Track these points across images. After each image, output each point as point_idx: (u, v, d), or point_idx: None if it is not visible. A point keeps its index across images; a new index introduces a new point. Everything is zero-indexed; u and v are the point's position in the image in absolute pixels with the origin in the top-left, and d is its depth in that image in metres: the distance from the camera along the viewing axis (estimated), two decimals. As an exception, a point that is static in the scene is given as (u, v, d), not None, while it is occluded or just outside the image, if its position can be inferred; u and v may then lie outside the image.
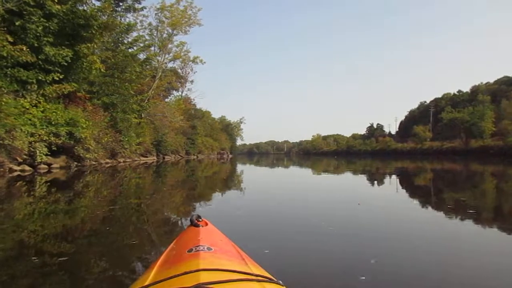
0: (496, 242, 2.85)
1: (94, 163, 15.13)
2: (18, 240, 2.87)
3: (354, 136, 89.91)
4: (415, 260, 2.28)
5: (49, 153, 11.66)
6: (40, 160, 11.29)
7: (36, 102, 11.93)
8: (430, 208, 4.76)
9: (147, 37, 28.02)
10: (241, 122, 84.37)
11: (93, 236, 3.05)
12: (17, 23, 11.36)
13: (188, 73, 41.48)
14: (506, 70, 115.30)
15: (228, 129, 78.52)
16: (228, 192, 6.59)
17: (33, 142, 11.02)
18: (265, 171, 15.89)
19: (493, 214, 4.28)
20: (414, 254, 2.41)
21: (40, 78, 12.03)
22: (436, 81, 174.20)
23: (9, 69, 11.05)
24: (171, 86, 38.54)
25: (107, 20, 14.57)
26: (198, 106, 52.99)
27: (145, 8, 25.20)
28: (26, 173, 10.05)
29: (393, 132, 78.37)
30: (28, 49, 11.35)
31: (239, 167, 18.83)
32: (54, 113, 12.04)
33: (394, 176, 11.06)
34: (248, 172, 14.72)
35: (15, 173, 9.83)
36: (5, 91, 10.18)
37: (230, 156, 61.27)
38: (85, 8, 13.61)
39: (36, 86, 11.96)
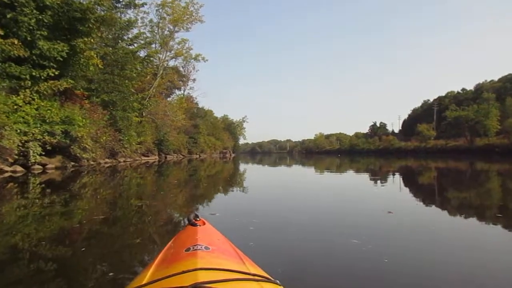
0: None
1: (92, 163, 14.61)
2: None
3: (357, 135, 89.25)
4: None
5: (43, 153, 11.07)
6: (33, 160, 10.70)
7: (30, 99, 11.34)
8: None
9: (148, 34, 27.50)
10: (244, 121, 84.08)
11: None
12: (8, 16, 10.75)
13: (190, 71, 40.96)
14: (510, 67, 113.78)
15: (231, 128, 78.14)
16: (234, 196, 5.96)
17: (26, 142, 10.42)
18: (270, 171, 15.31)
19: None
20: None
21: (34, 74, 11.44)
22: (440, 79, 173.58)
23: (0, 64, 10.45)
24: (173, 85, 38.03)
25: (105, 14, 13.91)
26: (200, 105, 52.74)
27: (146, 4, 24.60)
28: (18, 174, 9.56)
29: (396, 131, 78.07)
30: (20, 43, 10.76)
31: (243, 167, 18.48)
32: (48, 111, 11.45)
33: (408, 176, 10.43)
34: (252, 172, 14.21)
35: (6, 174, 9.30)
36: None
37: (233, 155, 61.07)
38: (81, 0, 12.96)
39: (29, 83, 11.38)
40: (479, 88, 58.04)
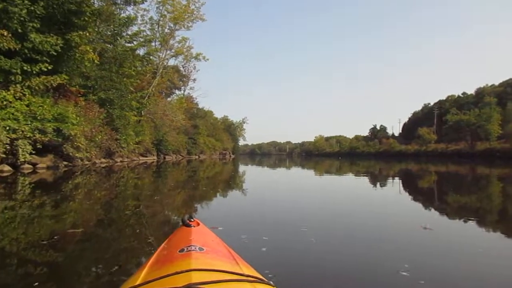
0: None
1: (87, 163, 14.04)
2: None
3: (357, 138, 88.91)
4: None
5: (33, 152, 10.45)
6: (23, 159, 10.07)
7: (21, 94, 10.72)
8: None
9: (148, 32, 26.96)
10: (244, 122, 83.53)
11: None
12: (-2, 6, 10.15)
13: (191, 71, 40.43)
14: (511, 72, 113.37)
15: (231, 129, 77.66)
16: (237, 204, 5.37)
17: (15, 139, 9.80)
18: (271, 173, 14.71)
19: None
20: None
21: (25, 68, 10.82)
22: (440, 83, 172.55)
23: (-12, 56, 9.88)
24: (174, 85, 37.51)
25: (102, 7, 13.33)
26: (200, 105, 52.23)
27: (146, 1, 23.99)
28: (6, 174, 9.07)
29: (396, 134, 77.90)
30: (11, 35, 10.16)
31: (243, 168, 18.05)
32: (40, 107, 10.83)
33: (424, 182, 9.85)
34: (253, 174, 13.71)
35: (-7, 174, 8.82)
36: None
37: (232, 156, 60.58)
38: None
39: (20, 77, 10.77)
40: (480, 92, 57.84)
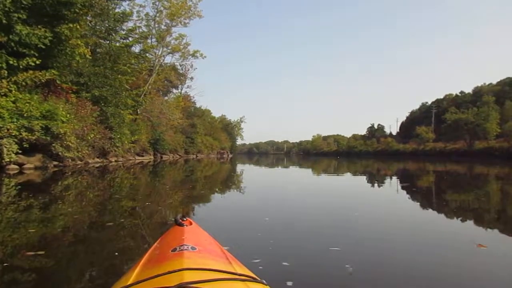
0: None
1: (79, 162, 13.40)
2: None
3: (355, 137, 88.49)
4: None
5: (20, 151, 9.82)
6: (8, 160, 9.45)
7: (6, 90, 10.07)
8: None
9: (144, 29, 26.33)
10: (242, 121, 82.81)
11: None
12: (-19, -4, 9.50)
13: (188, 69, 39.78)
14: (509, 71, 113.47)
15: (228, 128, 77.00)
16: (237, 208, 4.80)
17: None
18: (270, 173, 14.19)
19: None
20: None
21: (11, 62, 10.17)
22: (438, 82, 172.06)
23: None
24: (171, 84, 36.86)
25: (94, -1, 12.68)
26: (198, 104, 51.62)
27: (142, -5, 23.36)
28: (-12, 175, 8.54)
29: (394, 133, 77.51)
30: (-6, 27, 9.54)
31: (241, 167, 17.59)
32: (27, 104, 10.19)
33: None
34: (252, 174, 13.14)
35: (-26, 175, 8.28)
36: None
37: (230, 155, 60.06)
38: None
39: (6, 72, 10.12)
40: (478, 91, 57.63)
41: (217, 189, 7.23)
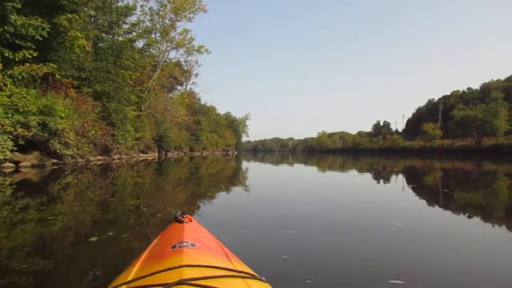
0: None
1: (80, 160, 12.89)
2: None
3: (360, 134, 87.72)
4: None
5: (16, 149, 9.30)
6: (3, 157, 8.92)
7: (1, 84, 9.57)
8: None
9: (147, 24, 25.77)
10: (247, 118, 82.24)
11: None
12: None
13: (193, 66, 39.20)
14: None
15: (234, 125, 76.58)
16: (245, 212, 4.18)
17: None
18: (277, 170, 13.56)
19: None
20: None
21: (6, 54, 9.65)
22: (444, 78, 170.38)
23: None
24: (175, 80, 36.35)
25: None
26: (203, 101, 51.15)
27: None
28: (-19, 173, 8.10)
29: (400, 130, 76.69)
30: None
31: (246, 165, 17.08)
32: (23, 99, 9.66)
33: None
34: (258, 171, 12.56)
35: (-34, 173, 7.90)
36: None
37: (235, 153, 59.54)
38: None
39: (1, 65, 9.60)
40: (486, 88, 56.68)
41: (222, 188, 6.80)
